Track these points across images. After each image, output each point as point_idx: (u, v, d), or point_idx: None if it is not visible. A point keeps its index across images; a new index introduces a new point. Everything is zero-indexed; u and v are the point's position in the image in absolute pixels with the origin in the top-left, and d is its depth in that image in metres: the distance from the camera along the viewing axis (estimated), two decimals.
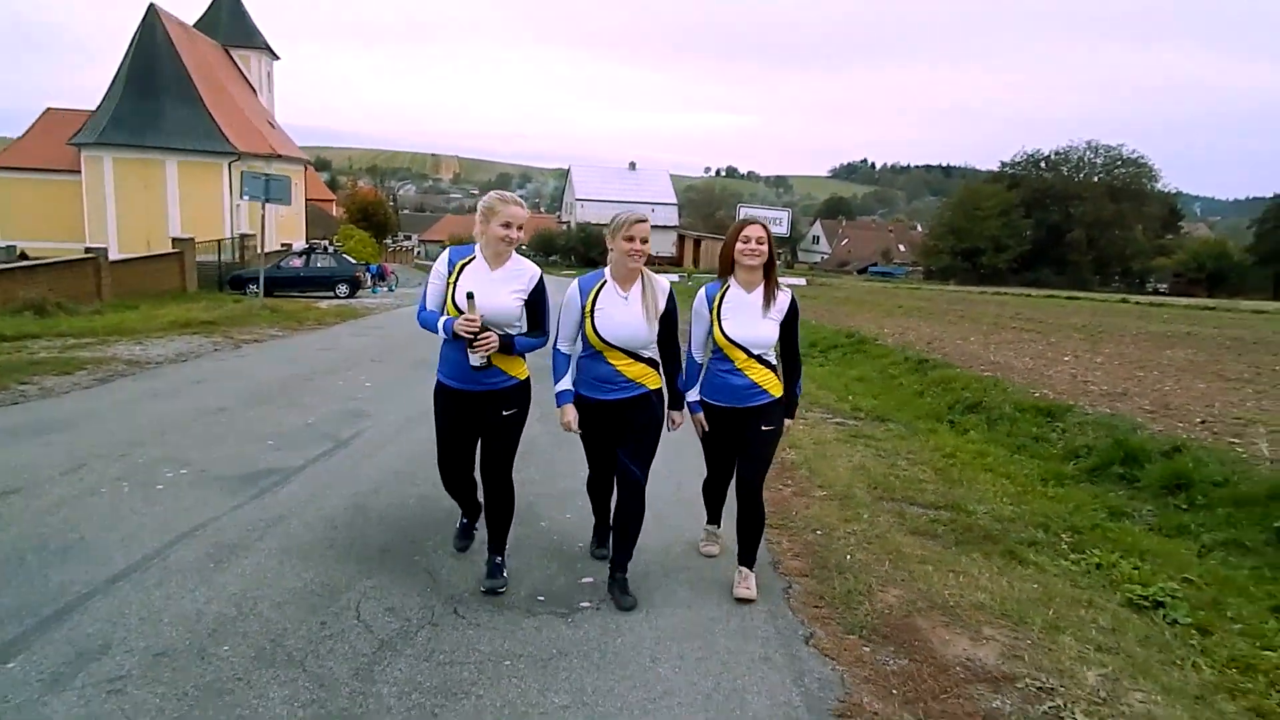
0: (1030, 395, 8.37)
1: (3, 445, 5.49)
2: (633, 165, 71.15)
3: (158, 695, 2.60)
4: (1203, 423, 7.41)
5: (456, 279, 3.31)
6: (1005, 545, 4.37)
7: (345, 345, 12.21)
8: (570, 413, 3.49)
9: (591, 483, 3.88)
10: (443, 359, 3.49)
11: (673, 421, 3.65)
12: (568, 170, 73.41)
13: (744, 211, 46.21)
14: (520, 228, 3.34)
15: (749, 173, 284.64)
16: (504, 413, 3.43)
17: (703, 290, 3.66)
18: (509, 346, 3.33)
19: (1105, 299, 37.70)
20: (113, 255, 20.53)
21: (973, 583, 3.82)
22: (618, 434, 3.51)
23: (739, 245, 3.48)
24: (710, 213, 79.70)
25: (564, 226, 65.21)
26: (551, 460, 5.67)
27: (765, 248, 3.46)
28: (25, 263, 18.68)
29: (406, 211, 79.94)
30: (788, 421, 3.73)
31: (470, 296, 3.16)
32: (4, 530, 3.93)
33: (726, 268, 3.58)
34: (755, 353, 3.53)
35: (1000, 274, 60.63)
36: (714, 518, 4.20)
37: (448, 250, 3.47)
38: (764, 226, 3.52)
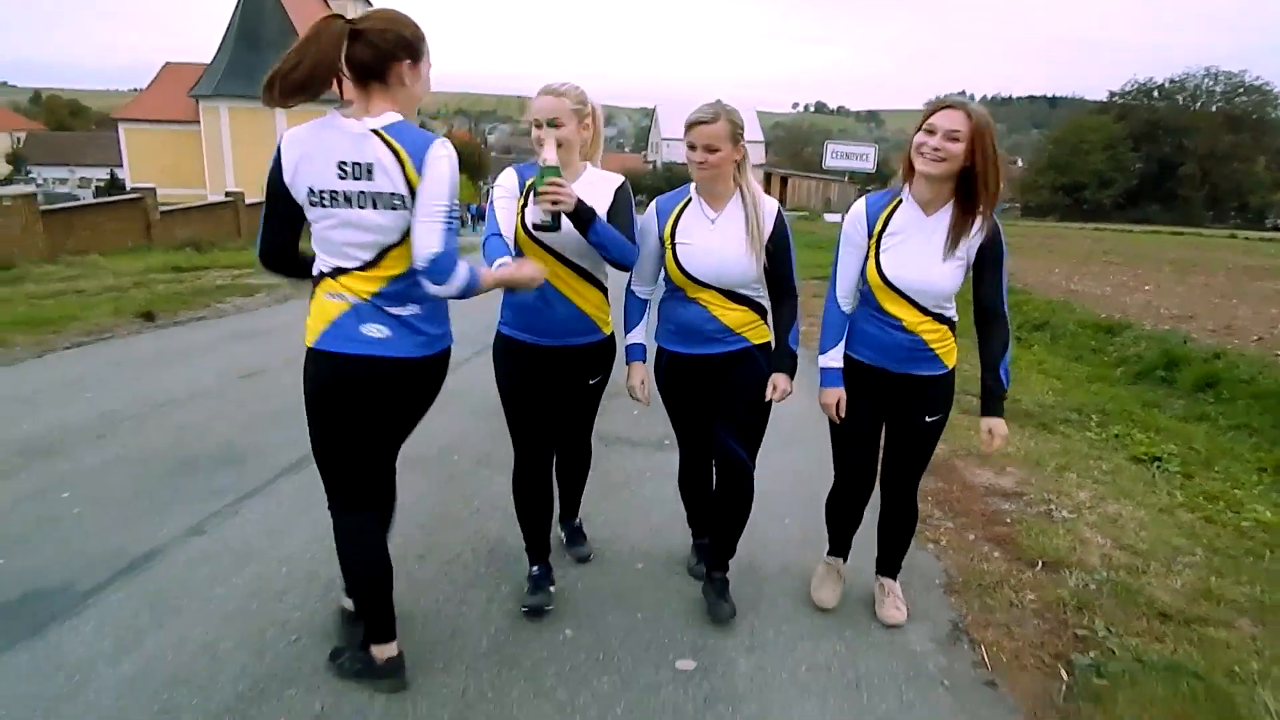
0: (1095, 315, 9.05)
1: (234, 344, 7.02)
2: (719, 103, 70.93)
3: (425, 479, 3.94)
4: (1258, 340, 7.99)
5: (525, 203, 2.57)
6: (1040, 420, 5.32)
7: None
8: (639, 372, 2.74)
9: (684, 472, 3.08)
10: (507, 303, 2.71)
11: (774, 387, 2.62)
12: (653, 109, 73.72)
13: (831, 148, 44.51)
14: (556, 124, 2.49)
15: (839, 108, 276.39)
16: (590, 382, 2.82)
17: (862, 201, 2.51)
18: (588, 221, 2.40)
19: (1212, 234, 36.28)
20: None
21: (1006, 442, 4.80)
22: (712, 403, 2.71)
23: (918, 137, 2.33)
24: (798, 150, 78.74)
25: (650, 166, 65.84)
26: None
27: (960, 146, 2.24)
28: (179, 206, 20.82)
29: (495, 154, 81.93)
30: (995, 425, 2.60)
31: (552, 124, 2.47)
32: (268, 398, 5.38)
33: (907, 170, 2.41)
34: (927, 307, 2.46)
35: (1104, 210, 58.28)
36: (841, 546, 3.01)
37: (512, 169, 2.68)
38: (968, 112, 2.26)
